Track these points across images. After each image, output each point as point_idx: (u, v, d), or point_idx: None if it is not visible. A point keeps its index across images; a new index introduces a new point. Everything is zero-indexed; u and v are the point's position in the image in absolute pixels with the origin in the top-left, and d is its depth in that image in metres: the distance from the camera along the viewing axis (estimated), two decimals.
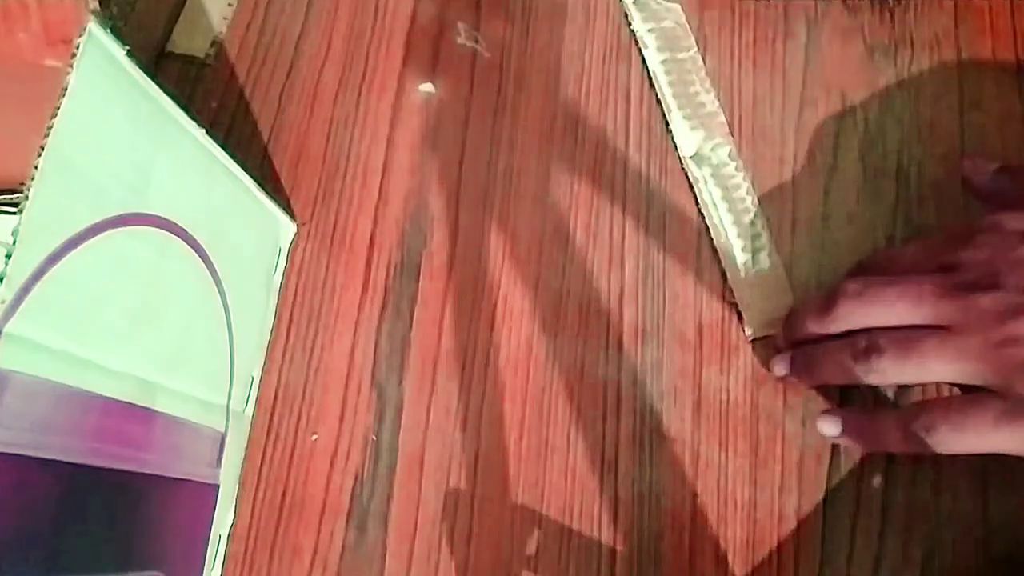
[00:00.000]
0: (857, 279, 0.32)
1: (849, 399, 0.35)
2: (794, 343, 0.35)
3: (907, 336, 0.30)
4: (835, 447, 0.34)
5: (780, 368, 0.35)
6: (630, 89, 0.41)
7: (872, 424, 0.33)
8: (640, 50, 0.41)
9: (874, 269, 0.34)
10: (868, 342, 0.31)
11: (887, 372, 0.31)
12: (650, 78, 0.41)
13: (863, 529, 0.33)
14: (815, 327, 0.33)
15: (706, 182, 0.38)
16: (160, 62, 0.42)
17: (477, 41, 0.42)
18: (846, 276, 0.36)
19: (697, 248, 0.38)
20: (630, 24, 0.42)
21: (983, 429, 0.29)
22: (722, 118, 0.40)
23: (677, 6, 0.42)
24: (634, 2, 0.42)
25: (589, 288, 0.38)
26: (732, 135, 0.39)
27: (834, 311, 0.32)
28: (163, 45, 0.42)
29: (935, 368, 0.30)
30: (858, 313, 0.32)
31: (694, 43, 0.41)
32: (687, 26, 0.41)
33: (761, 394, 0.36)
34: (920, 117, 0.39)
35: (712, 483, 0.35)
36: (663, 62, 0.41)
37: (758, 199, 0.38)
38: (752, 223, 0.38)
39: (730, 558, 0.34)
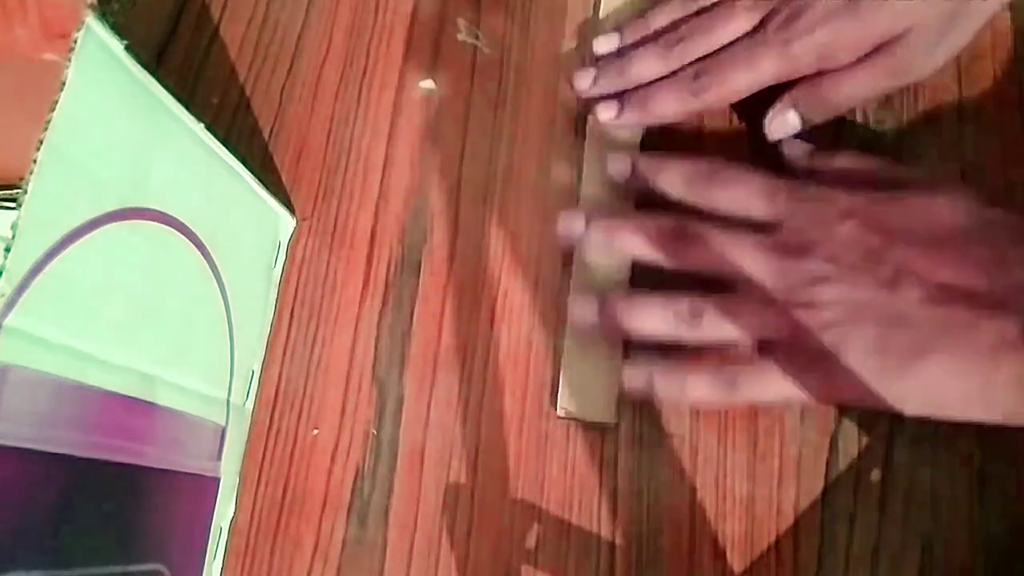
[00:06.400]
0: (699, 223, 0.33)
1: None
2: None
3: (723, 298, 0.32)
4: (833, 442, 0.35)
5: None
6: None
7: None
8: None
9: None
10: (691, 305, 0.32)
11: (704, 327, 0.32)
12: None
13: (861, 523, 0.34)
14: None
15: None
16: (162, 58, 0.42)
17: (477, 37, 0.42)
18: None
19: None
20: None
21: (775, 377, 0.31)
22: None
23: None
24: None
25: None
26: (731, 134, 0.39)
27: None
28: (165, 40, 0.42)
29: (742, 325, 0.32)
30: (691, 253, 0.33)
31: None
32: None
33: None
34: (919, 115, 0.39)
35: (711, 478, 0.35)
36: None
37: None
38: None
39: (729, 553, 0.34)
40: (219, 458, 0.34)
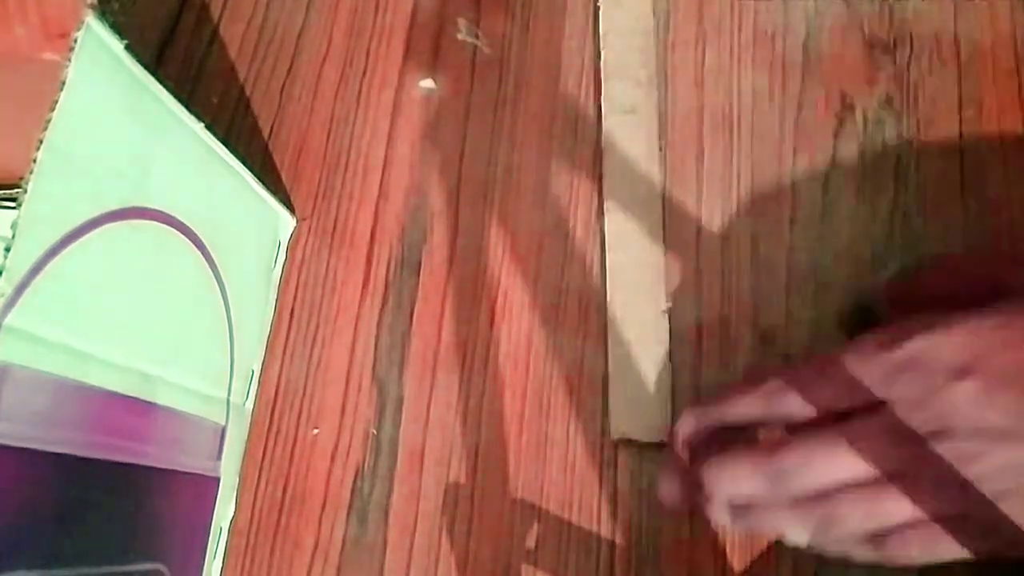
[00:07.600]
0: (792, 440, 0.29)
1: None
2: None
3: (870, 494, 0.28)
4: None
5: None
6: None
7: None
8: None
9: (780, 399, 0.30)
10: (829, 508, 0.28)
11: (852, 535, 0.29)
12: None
13: None
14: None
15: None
16: (162, 58, 0.42)
17: (477, 37, 0.42)
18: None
19: (696, 245, 0.38)
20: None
21: (941, 541, 0.28)
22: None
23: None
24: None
25: (589, 283, 0.38)
26: (731, 133, 0.39)
27: (774, 466, 0.29)
28: (165, 40, 0.42)
29: (895, 515, 0.28)
30: (803, 471, 0.28)
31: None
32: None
33: None
34: (919, 114, 0.39)
35: None
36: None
37: (752, 199, 0.38)
38: None
39: (728, 552, 0.34)
40: (219, 458, 0.34)
